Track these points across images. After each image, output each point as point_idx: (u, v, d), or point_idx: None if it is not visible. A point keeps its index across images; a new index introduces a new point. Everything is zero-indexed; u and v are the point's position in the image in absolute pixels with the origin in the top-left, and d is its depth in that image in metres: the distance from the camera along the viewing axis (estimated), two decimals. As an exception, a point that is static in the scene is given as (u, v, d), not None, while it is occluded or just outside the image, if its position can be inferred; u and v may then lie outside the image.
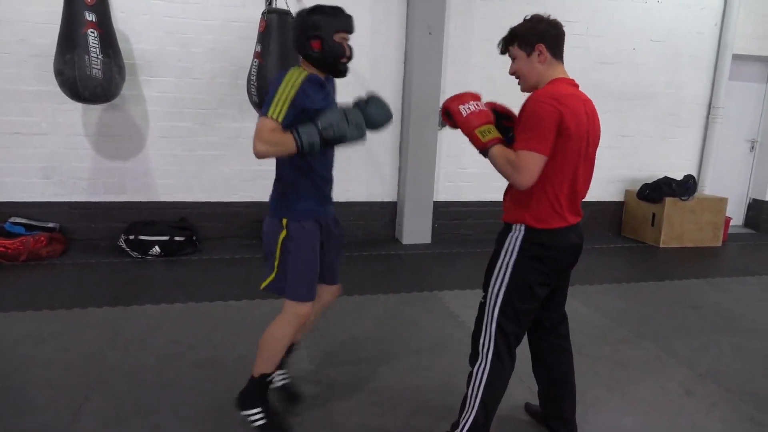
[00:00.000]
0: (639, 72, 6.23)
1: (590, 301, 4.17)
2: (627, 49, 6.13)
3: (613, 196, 6.50)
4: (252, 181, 5.31)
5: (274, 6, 4.77)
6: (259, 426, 2.30)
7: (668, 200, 5.96)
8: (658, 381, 2.99)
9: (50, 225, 4.82)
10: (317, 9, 2.14)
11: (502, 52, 2.14)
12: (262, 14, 4.59)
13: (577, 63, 5.93)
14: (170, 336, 3.27)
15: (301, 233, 2.17)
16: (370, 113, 2.13)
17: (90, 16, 4.10)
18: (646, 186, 6.19)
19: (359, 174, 5.59)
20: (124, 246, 4.80)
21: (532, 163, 1.88)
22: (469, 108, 2.02)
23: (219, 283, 4.27)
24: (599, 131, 2.12)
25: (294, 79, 2.02)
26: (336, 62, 2.14)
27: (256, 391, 2.31)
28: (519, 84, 2.13)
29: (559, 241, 2.05)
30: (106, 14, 4.26)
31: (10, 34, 4.55)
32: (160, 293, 3.96)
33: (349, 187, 5.57)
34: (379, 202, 5.73)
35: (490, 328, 2.07)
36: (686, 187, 6.01)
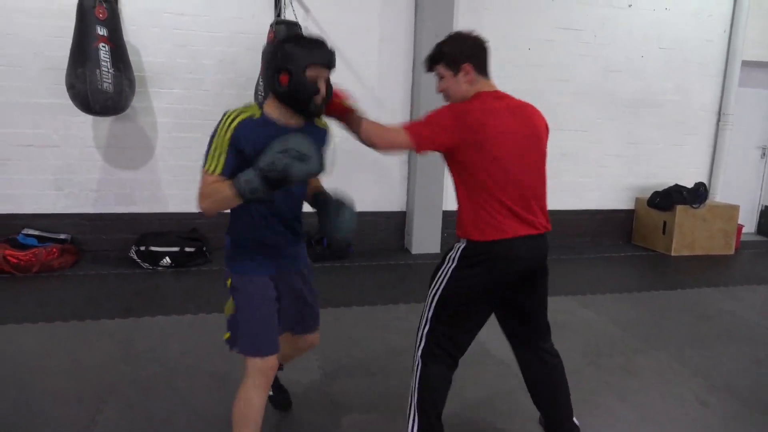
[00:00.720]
0: (647, 79, 6.22)
1: (602, 310, 4.15)
2: (635, 57, 6.12)
3: (622, 204, 6.47)
4: (261, 191, 5.32)
5: (282, 17, 4.82)
6: None
7: (679, 208, 5.92)
8: (672, 391, 2.95)
9: (62, 236, 4.86)
10: (292, 38, 1.86)
11: (428, 70, 2.14)
12: (270, 25, 4.63)
13: (585, 71, 5.95)
14: (181, 347, 3.27)
15: (247, 285, 1.99)
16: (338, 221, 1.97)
17: (101, 31, 4.15)
18: (656, 194, 6.15)
19: (368, 183, 5.60)
20: (135, 257, 4.83)
21: (392, 145, 2.03)
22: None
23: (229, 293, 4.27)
24: (542, 133, 2.10)
25: (226, 125, 1.81)
26: (306, 101, 1.82)
27: None
28: (446, 101, 2.13)
29: (496, 254, 1.99)
30: (117, 28, 4.32)
31: (24, 48, 4.62)
32: (171, 304, 3.97)
33: (358, 196, 5.53)
34: (387, 212, 5.73)
35: (423, 330, 2.12)
36: (697, 194, 5.97)
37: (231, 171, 1.81)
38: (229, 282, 2.03)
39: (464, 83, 2.04)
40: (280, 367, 2.61)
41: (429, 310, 2.10)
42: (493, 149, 1.94)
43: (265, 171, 1.66)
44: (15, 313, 3.68)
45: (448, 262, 2.08)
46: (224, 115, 1.85)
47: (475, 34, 2.08)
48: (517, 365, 2.31)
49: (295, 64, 1.78)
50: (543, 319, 2.23)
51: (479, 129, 1.93)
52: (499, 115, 1.98)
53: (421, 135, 1.99)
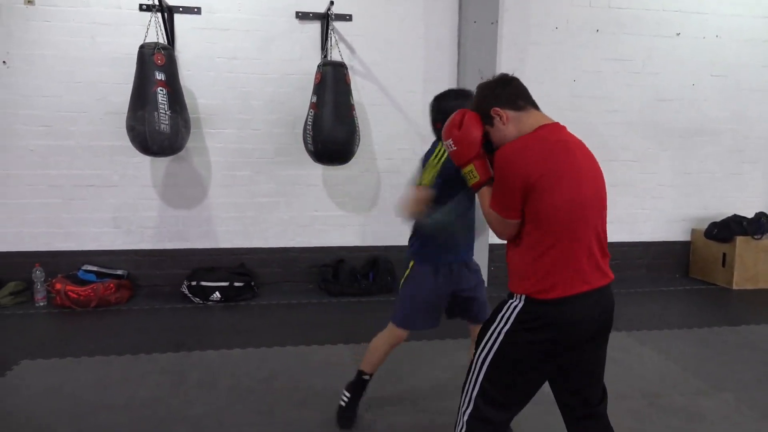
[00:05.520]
0: (700, 108, 6.04)
1: (661, 347, 3.95)
2: (686, 86, 5.97)
3: (678, 236, 6.22)
4: (308, 226, 5.41)
5: (329, 59, 4.96)
6: (338, 405, 2.80)
7: (739, 239, 5.65)
8: (741, 436, 2.77)
9: (119, 272, 5.05)
10: (441, 96, 2.56)
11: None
12: (318, 67, 4.77)
13: (635, 101, 5.84)
14: (230, 382, 3.31)
15: (419, 274, 2.61)
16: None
17: (160, 76, 4.37)
18: (714, 224, 5.90)
19: (413, 218, 5.59)
20: (186, 292, 4.95)
21: (498, 226, 1.84)
22: (450, 146, 1.93)
23: (276, 328, 4.32)
24: (599, 170, 1.90)
25: (439, 155, 2.39)
26: None
27: (355, 382, 2.79)
28: None
29: (566, 315, 1.75)
30: (174, 73, 4.54)
31: (90, 95, 4.91)
32: (220, 339, 4.03)
33: (406, 232, 5.58)
34: (433, 246, 5.69)
35: (472, 392, 1.86)
36: (758, 224, 5.69)
37: (438, 187, 2.39)
38: (407, 272, 2.67)
39: (502, 126, 1.84)
40: (367, 377, 2.84)
41: (479, 373, 1.84)
42: (563, 187, 1.73)
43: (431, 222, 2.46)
44: (74, 347, 3.82)
45: (500, 321, 1.82)
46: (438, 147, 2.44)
47: (494, 77, 1.95)
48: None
49: (444, 115, 2.25)
50: (602, 381, 1.96)
51: (542, 178, 1.71)
52: (555, 158, 1.75)
53: (503, 208, 1.79)
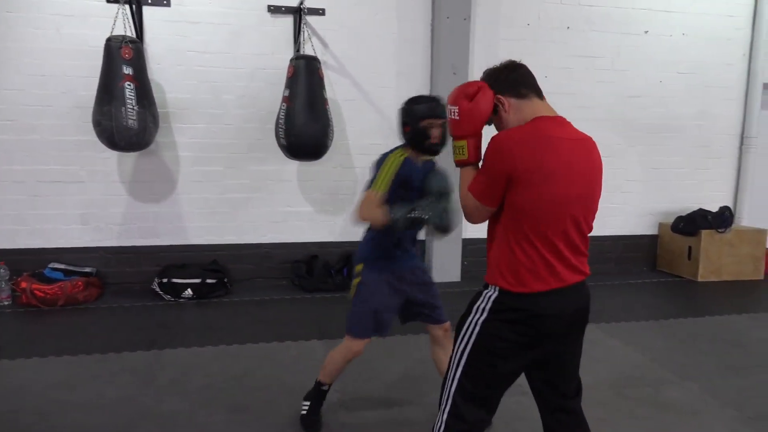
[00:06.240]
0: (667, 104, 6.18)
1: (628, 338, 4.05)
2: (654, 83, 6.10)
3: (646, 230, 6.37)
4: (281, 222, 5.38)
5: (301, 52, 4.92)
6: (301, 414, 2.74)
7: (704, 233, 5.81)
8: (704, 424, 2.86)
9: (87, 270, 4.94)
10: (412, 99, 2.55)
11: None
12: (290, 60, 4.74)
13: (604, 97, 5.94)
14: (203, 380, 3.27)
15: (371, 281, 2.56)
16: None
17: (127, 70, 4.29)
18: (680, 218, 6.05)
19: (387, 213, 5.60)
20: (157, 289, 4.88)
21: (471, 208, 1.82)
22: (452, 114, 1.85)
23: (249, 325, 4.28)
24: (599, 167, 1.92)
25: (392, 160, 2.47)
26: (422, 143, 2.47)
27: (314, 392, 2.75)
28: None
29: (539, 308, 1.74)
30: (142, 67, 4.45)
31: (55, 88, 4.78)
32: (192, 336, 3.99)
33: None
34: (407, 241, 5.71)
35: (450, 387, 1.83)
36: (722, 218, 5.86)
37: (390, 194, 2.42)
38: (357, 279, 2.61)
39: (504, 114, 1.83)
40: (326, 387, 2.79)
41: (457, 368, 1.82)
42: (549, 191, 1.71)
43: (413, 217, 2.31)
44: (40, 347, 3.73)
45: (476, 312, 1.82)
46: (391, 153, 2.52)
47: (501, 63, 1.92)
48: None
49: (412, 118, 2.46)
50: (577, 374, 1.96)
51: (532, 171, 1.70)
52: (552, 153, 1.73)
53: (482, 194, 1.78)
